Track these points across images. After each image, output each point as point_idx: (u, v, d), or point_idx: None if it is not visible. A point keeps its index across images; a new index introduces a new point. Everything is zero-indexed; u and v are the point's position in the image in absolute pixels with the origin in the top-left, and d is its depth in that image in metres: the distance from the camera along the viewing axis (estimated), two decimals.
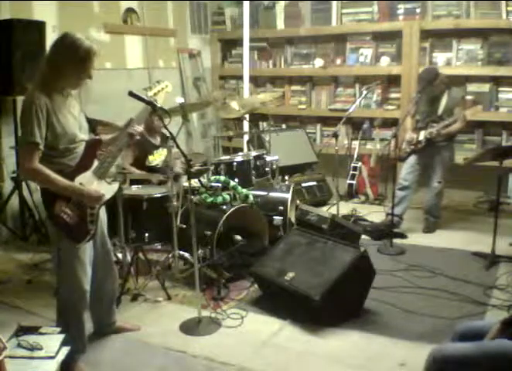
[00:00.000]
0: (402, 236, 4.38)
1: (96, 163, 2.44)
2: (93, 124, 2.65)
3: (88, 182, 2.37)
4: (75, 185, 2.31)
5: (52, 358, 2.12)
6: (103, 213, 2.61)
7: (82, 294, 2.47)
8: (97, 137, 2.51)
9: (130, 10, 5.30)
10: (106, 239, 2.66)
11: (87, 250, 2.46)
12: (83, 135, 2.43)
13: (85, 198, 2.33)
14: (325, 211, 4.74)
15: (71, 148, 2.35)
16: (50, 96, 2.27)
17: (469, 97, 4.91)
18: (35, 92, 2.25)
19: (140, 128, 2.55)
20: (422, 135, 4.32)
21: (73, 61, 2.26)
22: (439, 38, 5.32)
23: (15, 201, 4.19)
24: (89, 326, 2.75)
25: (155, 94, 2.67)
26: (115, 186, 2.53)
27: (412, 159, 4.44)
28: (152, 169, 3.96)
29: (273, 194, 4.05)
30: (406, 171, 4.47)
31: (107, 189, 2.44)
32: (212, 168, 3.98)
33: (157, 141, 4.15)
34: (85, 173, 2.37)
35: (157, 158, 4.03)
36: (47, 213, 2.34)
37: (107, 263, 2.70)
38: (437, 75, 4.26)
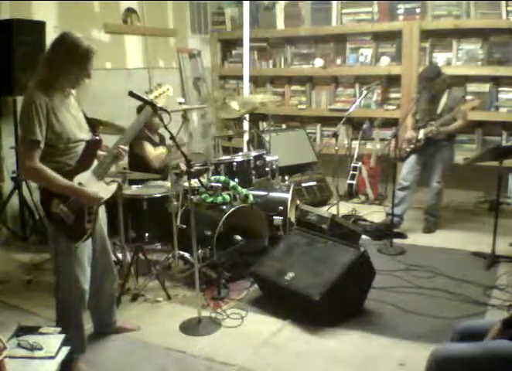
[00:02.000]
0: (402, 236, 4.38)
1: (95, 163, 2.44)
2: (94, 124, 2.66)
3: (87, 181, 2.37)
4: (74, 185, 2.32)
5: (52, 358, 2.12)
6: (102, 213, 2.61)
7: (81, 294, 2.46)
8: (98, 137, 2.50)
9: (130, 10, 5.31)
10: (105, 239, 2.66)
11: (86, 250, 2.46)
12: (83, 135, 2.43)
13: (83, 198, 2.34)
14: (325, 211, 4.73)
15: (70, 147, 2.35)
16: (50, 95, 2.27)
17: (469, 97, 4.90)
18: (34, 91, 2.25)
19: (126, 148, 2.51)
20: (422, 134, 4.32)
21: (72, 60, 2.26)
22: (439, 38, 5.32)
23: (15, 201, 4.19)
24: (89, 326, 2.76)
25: (155, 97, 2.68)
26: (114, 187, 2.53)
27: (412, 159, 4.44)
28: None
29: (273, 194, 4.05)
30: (406, 171, 4.47)
31: (105, 190, 2.45)
32: (212, 168, 3.98)
33: (156, 138, 4.17)
34: (84, 173, 2.38)
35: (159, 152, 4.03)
36: (45, 212, 2.35)
37: (107, 263, 2.70)
38: (439, 73, 4.26)
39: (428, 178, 4.47)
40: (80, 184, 2.34)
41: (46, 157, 2.27)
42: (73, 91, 2.44)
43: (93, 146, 2.45)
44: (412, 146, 4.39)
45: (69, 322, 2.46)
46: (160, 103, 2.66)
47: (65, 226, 2.33)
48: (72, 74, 2.31)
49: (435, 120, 4.27)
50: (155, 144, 4.08)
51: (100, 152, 2.50)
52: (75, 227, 2.36)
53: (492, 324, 1.94)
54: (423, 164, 4.43)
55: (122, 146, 2.48)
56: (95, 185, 2.39)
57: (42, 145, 2.24)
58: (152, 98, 2.65)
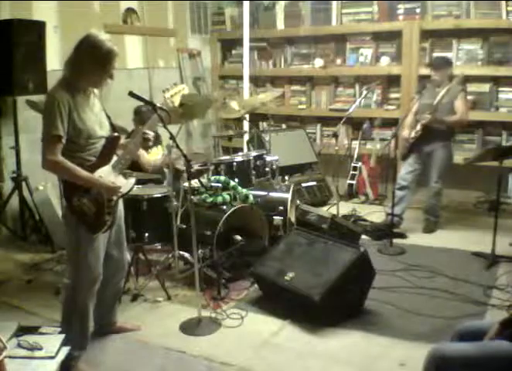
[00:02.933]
0: (402, 236, 4.38)
1: (115, 158, 2.52)
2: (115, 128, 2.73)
3: (107, 175, 2.46)
4: (95, 176, 2.41)
5: (52, 358, 2.12)
6: (121, 206, 2.69)
7: (94, 279, 2.52)
8: (116, 133, 2.57)
9: (130, 10, 5.30)
10: (122, 234, 2.74)
11: (102, 242, 2.53)
12: (103, 132, 2.51)
13: (104, 189, 2.43)
14: (325, 211, 4.74)
15: (91, 143, 2.43)
16: (72, 94, 2.36)
17: (470, 97, 4.90)
18: (57, 89, 2.36)
19: (152, 133, 2.62)
20: (418, 125, 4.30)
21: (95, 62, 2.36)
22: (439, 38, 5.31)
23: (15, 201, 4.19)
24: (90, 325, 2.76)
25: (171, 96, 2.76)
26: (132, 181, 2.61)
27: (411, 159, 4.44)
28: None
29: (273, 194, 4.05)
30: (405, 170, 4.47)
31: (124, 184, 2.53)
32: (212, 168, 3.98)
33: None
34: (104, 167, 2.47)
35: (153, 156, 4.02)
36: (67, 203, 2.43)
37: (119, 259, 2.75)
38: (449, 63, 4.34)
39: (427, 178, 4.47)
40: (100, 177, 2.43)
41: (67, 152, 2.35)
42: (96, 91, 2.53)
43: (112, 142, 2.52)
44: (412, 140, 4.36)
45: (75, 312, 2.49)
46: (176, 101, 2.77)
47: (85, 217, 2.42)
48: (94, 75, 2.40)
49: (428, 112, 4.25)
50: (147, 148, 4.03)
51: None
52: (95, 219, 2.44)
53: (491, 324, 1.94)
54: (422, 163, 4.43)
55: (147, 131, 2.57)
56: (115, 179, 2.49)
57: (63, 140, 2.32)
58: (169, 96, 2.72)
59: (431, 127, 4.25)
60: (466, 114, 4.34)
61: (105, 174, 2.46)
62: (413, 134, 4.34)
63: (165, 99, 2.74)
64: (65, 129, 2.32)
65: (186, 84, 6.09)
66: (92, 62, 2.35)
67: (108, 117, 2.59)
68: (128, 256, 3.37)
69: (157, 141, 4.12)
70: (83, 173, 2.37)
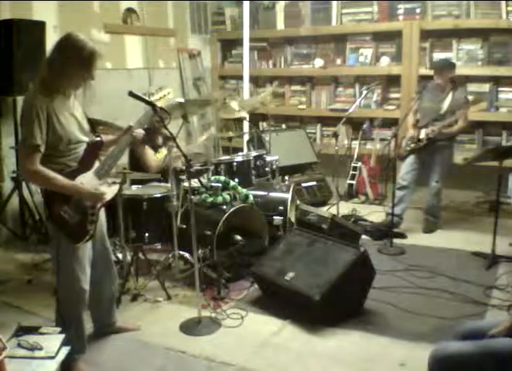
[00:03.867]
0: (402, 236, 4.38)
1: (97, 164, 2.45)
2: (94, 124, 2.67)
3: (89, 182, 2.38)
4: (76, 184, 2.32)
5: (52, 358, 2.12)
6: (102, 213, 2.60)
7: (81, 294, 2.47)
8: (99, 138, 2.51)
9: (130, 10, 5.31)
10: (105, 240, 2.67)
11: (86, 250, 2.46)
12: (84, 136, 2.43)
13: (86, 196, 2.35)
14: (325, 211, 4.73)
15: (72, 148, 2.35)
16: (51, 97, 2.26)
17: (470, 97, 4.90)
18: (35, 93, 2.25)
19: (141, 131, 2.58)
20: (423, 133, 4.30)
21: (76, 63, 2.25)
22: (439, 38, 5.32)
23: (15, 201, 4.19)
24: (89, 326, 2.76)
25: (156, 101, 2.71)
26: (115, 188, 2.56)
27: (411, 159, 4.44)
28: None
29: (273, 194, 4.05)
30: (404, 170, 4.46)
31: (107, 191, 2.45)
32: (212, 168, 3.97)
33: (159, 141, 4.15)
34: (86, 174, 2.38)
35: (160, 156, 4.02)
36: (47, 212, 2.35)
37: (107, 263, 2.70)
38: (453, 65, 4.31)
39: (427, 178, 4.47)
40: (81, 184, 2.35)
41: (47, 159, 2.27)
42: (75, 92, 2.43)
43: (94, 147, 2.45)
44: (413, 145, 4.37)
45: (69, 322, 2.45)
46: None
47: (67, 226, 2.34)
48: (75, 76, 2.30)
49: (437, 120, 4.26)
50: (157, 147, 4.05)
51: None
52: (77, 228, 2.36)
53: (496, 323, 1.93)
54: (422, 163, 4.43)
55: (137, 129, 2.53)
56: (98, 186, 2.41)
57: (42, 149, 2.23)
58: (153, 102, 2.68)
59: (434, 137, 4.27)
60: (468, 122, 4.33)
61: (87, 180, 2.37)
62: (415, 140, 4.34)
63: None
64: (43, 137, 2.22)
65: (186, 84, 6.11)
66: (74, 63, 2.24)
67: (89, 120, 2.50)
68: (126, 256, 3.40)
69: (167, 141, 4.10)
70: (65, 181, 2.27)
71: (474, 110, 4.27)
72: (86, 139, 2.44)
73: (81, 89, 2.39)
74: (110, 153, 2.48)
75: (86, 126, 2.47)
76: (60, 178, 2.27)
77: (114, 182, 2.56)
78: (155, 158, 3.97)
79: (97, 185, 2.40)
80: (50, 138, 2.26)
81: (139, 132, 2.58)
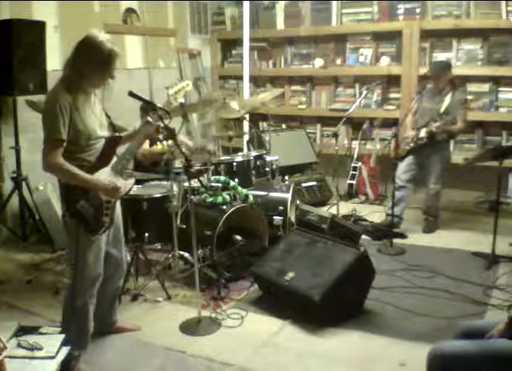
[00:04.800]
0: (402, 236, 4.38)
1: (114, 159, 2.52)
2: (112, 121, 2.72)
3: (106, 177, 2.46)
4: (95, 178, 2.41)
5: (52, 358, 2.12)
6: (118, 208, 2.68)
7: (95, 279, 2.53)
8: (117, 134, 2.57)
9: (130, 10, 5.31)
10: (120, 235, 2.74)
11: (102, 244, 2.53)
12: (103, 132, 2.51)
13: (103, 191, 2.43)
14: (325, 211, 4.73)
15: (91, 144, 2.44)
16: (73, 94, 2.35)
17: (470, 97, 4.91)
18: (58, 90, 2.34)
19: (160, 124, 2.63)
20: (423, 132, 4.29)
21: (95, 63, 2.35)
22: (439, 38, 5.32)
23: (15, 201, 4.19)
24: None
25: (175, 93, 2.73)
26: (131, 182, 2.61)
27: (409, 159, 4.43)
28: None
29: (273, 194, 4.05)
30: (401, 170, 4.45)
31: (123, 185, 2.52)
32: (212, 168, 3.97)
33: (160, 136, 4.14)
34: (104, 169, 2.46)
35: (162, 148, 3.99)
36: (65, 206, 2.44)
37: (118, 258, 2.74)
38: (449, 66, 4.29)
39: (425, 179, 4.47)
40: (99, 179, 2.42)
41: (67, 154, 2.35)
42: (96, 91, 2.52)
43: (112, 143, 2.52)
44: (412, 144, 4.37)
45: (76, 313, 2.50)
46: (179, 97, 2.75)
47: (84, 220, 2.42)
48: (95, 76, 2.39)
49: (435, 121, 4.24)
50: (156, 141, 4.02)
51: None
52: (93, 221, 2.44)
53: (495, 323, 1.93)
54: (419, 164, 4.42)
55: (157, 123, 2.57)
56: (114, 180, 2.48)
57: (65, 143, 2.33)
58: (173, 93, 2.70)
59: (435, 134, 4.25)
60: (466, 121, 4.33)
61: (105, 175, 2.45)
62: (415, 138, 4.32)
63: (168, 96, 2.74)
64: (66, 132, 2.32)
65: None
66: (93, 63, 2.34)
67: (108, 117, 2.58)
68: (127, 256, 3.40)
69: (171, 134, 4.06)
70: (84, 175, 2.37)
71: (472, 105, 4.25)
72: (105, 135, 2.52)
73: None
74: (127, 148, 2.55)
75: (105, 123, 2.56)
76: (80, 173, 2.36)
77: (129, 176, 2.61)
78: (147, 148, 3.93)
79: (114, 179, 2.48)
80: (71, 134, 2.35)
81: (156, 124, 2.61)
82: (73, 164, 2.36)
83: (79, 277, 2.49)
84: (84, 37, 2.38)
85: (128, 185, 2.57)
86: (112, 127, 2.59)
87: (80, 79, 2.37)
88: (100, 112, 2.54)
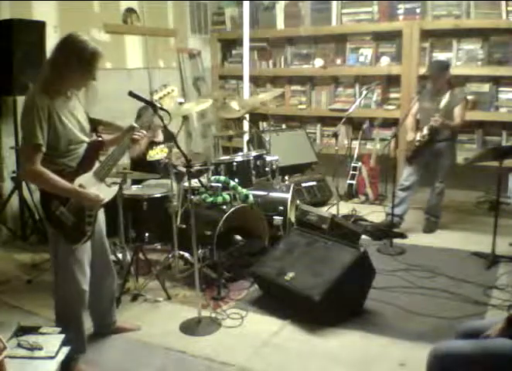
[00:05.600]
0: (402, 236, 4.38)
1: (97, 165, 2.43)
2: (95, 124, 2.65)
3: (88, 183, 2.36)
4: (75, 187, 2.30)
5: (52, 358, 2.12)
6: (101, 213, 2.59)
7: (81, 294, 2.46)
8: (100, 138, 2.49)
9: (130, 10, 5.31)
10: (104, 240, 2.66)
11: (86, 251, 2.45)
12: (85, 136, 2.43)
13: (84, 201, 2.33)
14: (325, 211, 4.74)
15: (72, 148, 2.35)
16: (52, 97, 2.25)
17: (469, 97, 4.90)
18: (36, 93, 2.23)
19: (144, 132, 2.53)
20: (425, 129, 4.27)
21: (77, 63, 2.23)
22: (439, 38, 5.32)
23: (15, 201, 4.19)
24: (89, 326, 2.76)
25: (160, 98, 2.65)
26: (115, 189, 2.54)
27: (415, 162, 4.41)
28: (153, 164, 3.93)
29: (273, 194, 4.05)
30: (408, 171, 4.45)
31: (106, 192, 2.44)
32: (212, 168, 3.97)
33: (159, 137, 4.15)
34: (86, 174, 2.37)
35: (158, 152, 3.99)
36: (45, 214, 2.35)
37: (106, 263, 2.70)
38: (448, 66, 4.29)
39: (430, 178, 4.46)
40: (80, 186, 2.32)
41: (47, 159, 2.26)
42: (77, 92, 2.42)
43: (94, 147, 2.44)
44: (417, 143, 4.34)
45: (68, 323, 2.45)
46: (165, 104, 2.62)
47: (64, 228, 2.33)
48: (76, 77, 2.29)
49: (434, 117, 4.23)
50: (153, 144, 4.03)
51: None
52: (74, 229, 2.35)
53: (495, 323, 1.94)
54: (425, 164, 4.42)
55: (140, 131, 2.47)
56: (96, 187, 2.38)
57: (43, 149, 2.22)
58: (157, 99, 2.63)
59: (437, 129, 4.24)
60: (464, 119, 4.32)
61: (86, 181, 2.34)
62: (418, 137, 4.31)
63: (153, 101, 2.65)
64: (44, 136, 2.21)
65: (186, 84, 6.11)
66: (75, 64, 2.22)
67: (91, 121, 2.48)
68: (127, 256, 3.39)
69: (170, 138, 4.06)
70: (64, 184, 2.25)
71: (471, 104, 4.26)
72: (87, 139, 2.43)
73: (83, 89, 2.38)
74: (111, 154, 2.46)
75: (87, 126, 2.46)
76: (60, 181, 2.25)
77: (113, 183, 2.53)
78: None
79: (97, 186, 2.38)
80: (51, 138, 2.25)
81: (142, 133, 2.51)
82: (54, 168, 2.25)
83: (65, 289, 2.42)
84: (66, 36, 2.27)
85: (111, 192, 2.48)
86: (94, 129, 2.48)
87: (61, 81, 2.26)
88: (83, 115, 2.43)
